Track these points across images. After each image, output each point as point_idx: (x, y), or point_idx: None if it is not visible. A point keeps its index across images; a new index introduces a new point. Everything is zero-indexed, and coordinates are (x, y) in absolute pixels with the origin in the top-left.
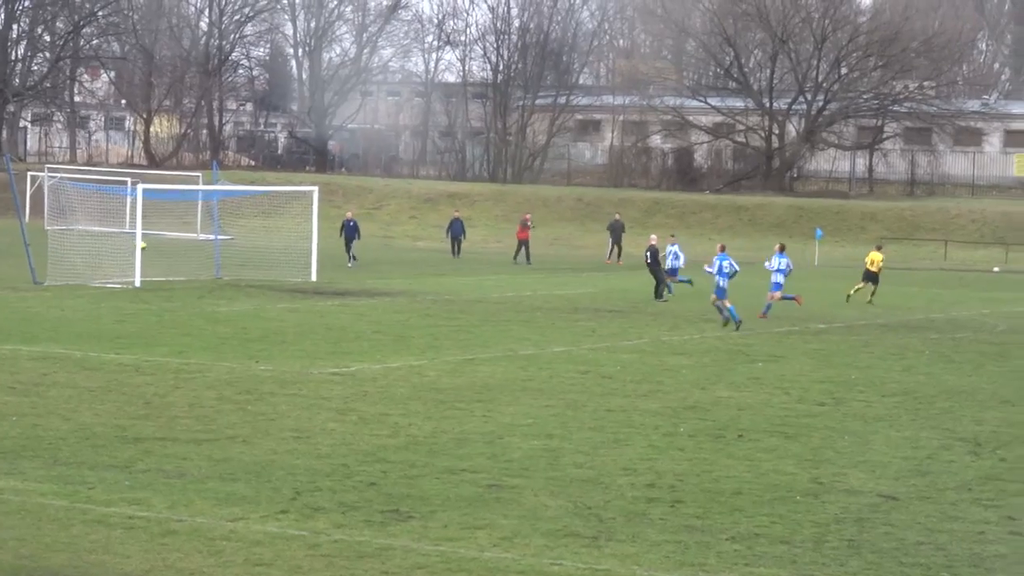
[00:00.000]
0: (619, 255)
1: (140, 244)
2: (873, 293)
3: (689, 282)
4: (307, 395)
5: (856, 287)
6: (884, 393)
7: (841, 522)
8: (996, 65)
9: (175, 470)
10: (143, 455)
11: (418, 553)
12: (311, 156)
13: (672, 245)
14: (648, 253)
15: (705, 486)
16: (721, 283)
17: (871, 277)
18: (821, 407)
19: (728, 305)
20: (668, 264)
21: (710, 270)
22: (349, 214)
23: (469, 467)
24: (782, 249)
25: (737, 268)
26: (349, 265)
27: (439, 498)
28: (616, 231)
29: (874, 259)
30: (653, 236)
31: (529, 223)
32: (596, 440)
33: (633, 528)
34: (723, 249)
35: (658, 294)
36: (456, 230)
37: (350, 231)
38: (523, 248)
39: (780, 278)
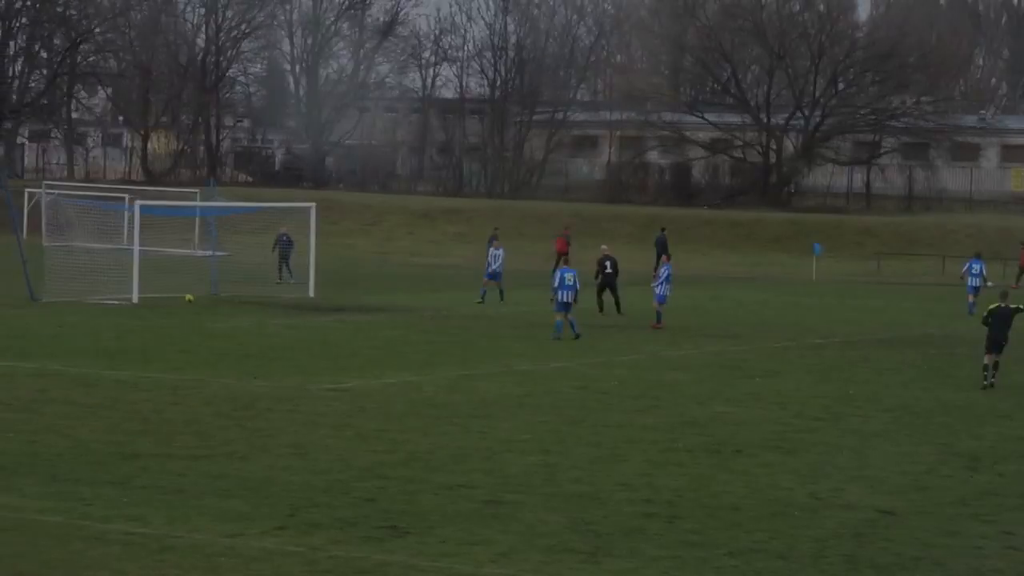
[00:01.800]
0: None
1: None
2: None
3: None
4: (304, 411)
5: None
6: (882, 408)
7: (839, 537)
8: (993, 80)
9: (172, 486)
10: (140, 471)
11: (416, 569)
12: (308, 172)
13: (497, 249)
14: (608, 263)
15: (703, 501)
16: (659, 291)
17: None
18: (819, 422)
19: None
20: (490, 268)
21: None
22: (283, 229)
23: (466, 483)
24: (668, 259)
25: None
26: (289, 281)
27: (437, 514)
28: (660, 246)
29: None
30: (604, 246)
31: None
32: (593, 456)
33: (630, 544)
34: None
35: (619, 309)
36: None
37: (284, 246)
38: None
39: (663, 289)
